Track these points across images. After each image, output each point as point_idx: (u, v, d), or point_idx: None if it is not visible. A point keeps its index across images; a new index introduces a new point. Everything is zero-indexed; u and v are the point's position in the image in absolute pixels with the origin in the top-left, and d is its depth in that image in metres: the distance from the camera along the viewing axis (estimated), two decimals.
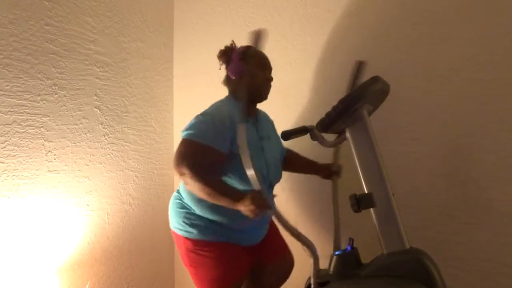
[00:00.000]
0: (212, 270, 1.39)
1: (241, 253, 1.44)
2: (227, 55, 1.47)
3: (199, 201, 1.36)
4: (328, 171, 1.59)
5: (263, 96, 1.47)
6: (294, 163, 1.68)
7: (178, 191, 1.51)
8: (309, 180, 1.85)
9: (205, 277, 1.41)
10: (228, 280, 1.41)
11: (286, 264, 1.60)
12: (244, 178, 1.32)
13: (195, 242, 1.38)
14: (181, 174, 1.24)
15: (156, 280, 2.21)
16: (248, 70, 1.41)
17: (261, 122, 1.52)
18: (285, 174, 1.63)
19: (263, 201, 1.11)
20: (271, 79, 1.48)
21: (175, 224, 1.45)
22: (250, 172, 1.11)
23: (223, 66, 1.50)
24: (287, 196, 1.89)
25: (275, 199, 1.51)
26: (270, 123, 1.63)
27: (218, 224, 1.38)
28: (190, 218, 1.40)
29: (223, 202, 1.20)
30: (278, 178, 1.53)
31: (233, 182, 1.35)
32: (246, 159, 1.11)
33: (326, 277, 1.19)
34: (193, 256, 1.39)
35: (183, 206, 1.44)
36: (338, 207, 1.50)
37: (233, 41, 1.52)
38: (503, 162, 1.39)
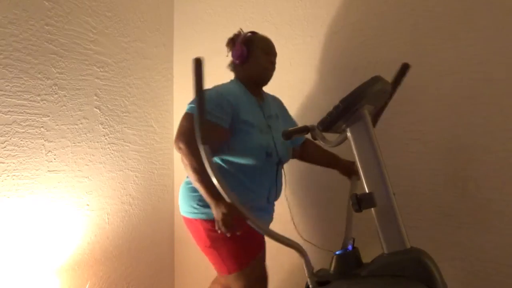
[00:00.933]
0: (236, 243, 1.37)
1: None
2: (233, 42, 1.51)
3: None
4: (349, 169, 1.57)
5: (266, 79, 1.52)
6: (314, 154, 1.68)
7: (188, 177, 1.51)
8: (308, 180, 1.85)
9: (230, 253, 1.38)
10: (253, 250, 1.41)
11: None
12: (245, 153, 1.37)
13: (212, 222, 1.36)
14: (178, 148, 1.28)
15: (156, 280, 2.20)
16: (251, 55, 1.45)
17: (268, 103, 1.56)
18: (292, 179, 1.64)
19: (231, 220, 1.15)
20: (274, 62, 1.52)
21: (188, 208, 1.44)
22: (221, 184, 1.13)
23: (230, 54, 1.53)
24: (287, 196, 1.89)
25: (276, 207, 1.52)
26: (282, 106, 1.67)
27: None
28: (204, 200, 1.37)
29: (201, 191, 1.24)
30: (286, 156, 1.55)
31: (234, 157, 1.37)
32: (215, 175, 1.13)
33: (326, 276, 1.19)
34: (213, 235, 1.36)
35: (195, 189, 1.41)
36: (352, 210, 1.49)
37: (241, 28, 1.55)
38: (503, 162, 1.39)
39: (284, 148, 1.52)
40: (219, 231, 1.18)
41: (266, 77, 1.51)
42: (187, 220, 1.47)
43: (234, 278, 1.39)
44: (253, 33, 1.51)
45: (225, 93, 1.39)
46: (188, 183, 1.48)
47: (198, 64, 1.13)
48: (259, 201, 1.44)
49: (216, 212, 1.18)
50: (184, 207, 1.47)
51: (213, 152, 1.24)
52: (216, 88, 1.42)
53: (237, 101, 1.39)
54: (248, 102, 1.45)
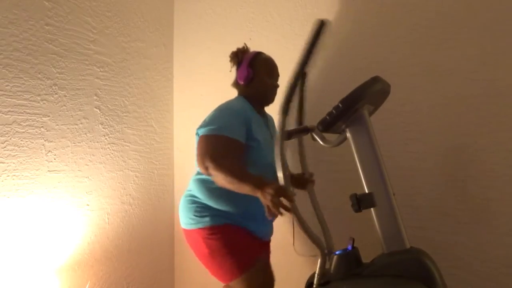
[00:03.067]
0: (234, 248, 1.37)
1: (253, 237, 1.45)
2: (238, 58, 1.54)
3: (210, 191, 1.39)
4: (301, 181, 1.56)
5: (269, 101, 1.56)
6: None
7: (188, 189, 1.53)
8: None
9: (230, 258, 1.37)
10: (253, 254, 1.41)
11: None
12: (258, 169, 1.38)
13: (209, 228, 1.38)
14: (206, 168, 1.29)
15: (156, 280, 2.20)
16: (255, 77, 1.49)
17: (271, 122, 1.62)
18: None
19: (284, 197, 1.11)
20: (277, 86, 1.56)
21: (186, 220, 1.45)
22: (280, 172, 1.13)
23: (233, 68, 1.57)
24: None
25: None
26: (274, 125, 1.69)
27: (229, 214, 1.40)
28: (200, 211, 1.41)
29: (246, 189, 1.21)
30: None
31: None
32: (277, 154, 1.14)
33: (326, 276, 1.19)
34: (211, 242, 1.38)
35: (193, 201, 1.45)
36: (321, 213, 1.49)
37: (245, 44, 1.58)
38: (503, 162, 1.39)
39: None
40: (274, 215, 1.13)
41: (269, 99, 1.54)
42: (186, 233, 1.48)
43: (238, 283, 1.38)
44: (258, 53, 1.54)
45: (238, 110, 1.41)
46: (187, 195, 1.49)
47: (321, 26, 1.12)
48: (260, 211, 1.41)
49: (264, 199, 1.14)
50: (183, 219, 1.49)
51: (232, 161, 1.27)
52: (229, 105, 1.45)
53: (249, 118, 1.41)
54: (257, 120, 1.47)
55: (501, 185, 1.40)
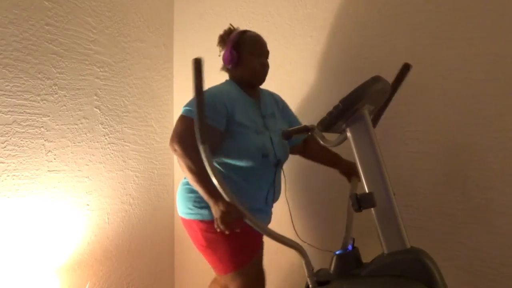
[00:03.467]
0: (232, 243, 1.37)
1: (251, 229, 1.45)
2: (224, 41, 1.49)
3: None
4: (349, 169, 1.54)
5: (259, 82, 1.49)
6: (316, 151, 1.65)
7: (185, 178, 1.50)
8: (307, 180, 1.85)
9: (226, 253, 1.38)
10: (250, 250, 1.41)
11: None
12: (240, 155, 1.36)
13: (208, 222, 1.37)
14: (173, 150, 1.28)
15: (156, 280, 2.20)
16: (241, 58, 1.43)
17: (265, 102, 1.54)
18: (288, 174, 1.64)
19: (230, 219, 1.14)
20: (266, 64, 1.49)
21: (185, 209, 1.44)
22: (221, 183, 1.12)
23: (222, 53, 1.52)
24: (286, 196, 1.89)
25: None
26: (278, 102, 1.63)
27: None
28: (200, 202, 1.38)
29: (200, 191, 1.23)
30: (285, 156, 1.53)
31: (229, 160, 1.37)
32: (214, 175, 1.12)
33: (326, 276, 1.19)
34: (209, 235, 1.37)
35: (191, 190, 1.41)
36: (352, 211, 1.49)
37: (231, 24, 1.52)
38: (503, 162, 1.39)
39: (282, 148, 1.50)
40: (218, 230, 1.18)
41: (259, 79, 1.48)
42: (184, 221, 1.47)
43: (231, 278, 1.39)
44: (242, 32, 1.47)
45: (219, 95, 1.37)
46: (185, 184, 1.47)
47: (197, 64, 1.12)
48: (257, 203, 1.43)
49: (215, 211, 1.17)
50: (181, 207, 1.47)
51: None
52: (211, 90, 1.40)
53: (232, 102, 1.37)
54: (244, 102, 1.42)
55: (501, 185, 1.40)
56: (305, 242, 1.52)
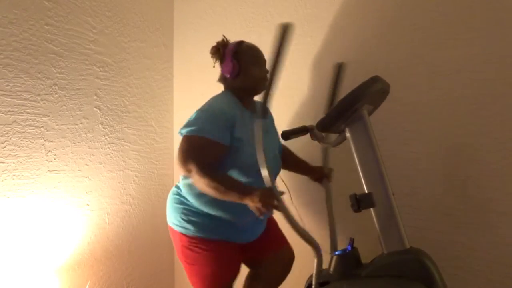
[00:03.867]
0: (206, 268, 1.40)
1: (235, 251, 1.45)
2: (219, 52, 1.47)
3: (199, 195, 1.36)
4: (319, 174, 1.58)
5: (258, 91, 1.47)
6: (287, 160, 1.66)
7: (177, 186, 1.50)
8: (307, 180, 1.85)
9: (199, 274, 1.42)
10: (221, 278, 1.42)
11: (285, 255, 1.58)
12: (244, 171, 1.35)
13: (190, 238, 1.39)
14: (188, 171, 1.26)
15: (156, 280, 2.21)
16: (242, 68, 1.42)
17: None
18: (284, 173, 1.64)
19: (272, 200, 1.12)
20: (266, 74, 1.47)
21: (172, 219, 1.45)
22: (264, 170, 1.13)
23: (217, 64, 1.50)
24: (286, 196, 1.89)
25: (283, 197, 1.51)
26: (269, 117, 1.62)
27: (216, 220, 1.38)
28: (188, 214, 1.40)
29: (231, 197, 1.21)
30: (278, 170, 1.55)
31: (234, 175, 1.35)
32: (260, 155, 1.13)
33: (326, 277, 1.19)
34: (188, 252, 1.40)
35: (181, 201, 1.43)
36: (332, 210, 1.49)
37: (224, 36, 1.51)
38: (503, 162, 1.39)
39: (276, 162, 1.51)
40: (261, 217, 1.15)
41: (260, 88, 1.45)
42: (170, 230, 1.48)
43: None
44: (240, 42, 1.47)
45: (221, 110, 1.35)
46: (174, 193, 1.48)
47: (285, 31, 1.07)
48: (253, 216, 1.37)
49: (252, 202, 1.15)
50: (168, 215, 1.49)
51: (216, 168, 1.26)
52: (212, 105, 1.39)
53: (232, 117, 1.35)
54: (241, 117, 1.40)
55: (501, 185, 1.39)
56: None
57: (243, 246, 1.48)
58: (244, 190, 1.19)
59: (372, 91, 1.13)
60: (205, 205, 1.37)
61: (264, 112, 1.18)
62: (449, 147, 1.50)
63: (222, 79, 1.50)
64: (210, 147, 1.27)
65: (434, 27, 1.53)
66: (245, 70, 1.42)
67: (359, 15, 1.71)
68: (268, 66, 1.16)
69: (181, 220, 1.40)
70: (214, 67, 1.52)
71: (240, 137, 1.34)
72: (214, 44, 1.52)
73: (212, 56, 1.51)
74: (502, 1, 1.39)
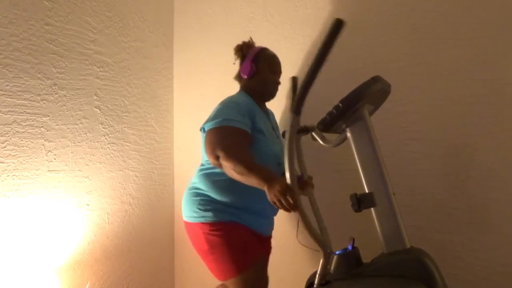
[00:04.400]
0: (233, 247, 1.37)
1: (255, 237, 1.46)
2: (242, 52, 1.57)
3: (215, 183, 1.41)
4: (299, 184, 1.52)
5: (270, 96, 1.59)
6: None
7: (192, 182, 1.53)
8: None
9: (228, 257, 1.37)
10: (251, 255, 1.40)
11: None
12: (263, 159, 1.38)
13: (212, 224, 1.38)
14: (216, 158, 1.29)
15: (156, 280, 2.20)
16: (258, 72, 1.52)
17: (271, 117, 1.65)
18: None
19: (292, 197, 1.10)
20: (279, 82, 1.59)
21: (189, 213, 1.45)
22: (287, 171, 1.11)
23: (237, 61, 1.59)
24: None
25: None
26: (274, 119, 1.72)
27: (232, 207, 1.40)
28: (204, 204, 1.41)
29: (253, 181, 1.20)
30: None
31: None
32: (287, 153, 1.11)
33: (326, 276, 1.19)
34: (212, 238, 1.38)
35: (197, 193, 1.45)
36: (321, 218, 1.49)
37: (251, 38, 1.60)
38: (503, 162, 1.39)
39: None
40: (279, 207, 1.14)
41: (270, 92, 1.57)
42: (188, 225, 1.48)
43: (232, 283, 1.38)
44: (263, 48, 1.57)
45: (241, 102, 1.44)
46: (191, 188, 1.50)
47: (338, 26, 1.05)
48: (267, 206, 1.40)
49: (269, 194, 1.14)
50: (185, 211, 1.49)
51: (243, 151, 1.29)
52: (232, 99, 1.47)
53: (252, 110, 1.44)
54: (259, 113, 1.49)
55: (501, 185, 1.40)
56: (302, 244, 1.53)
57: (259, 238, 1.49)
58: (267, 176, 1.18)
59: (373, 91, 1.14)
60: (222, 192, 1.40)
61: (298, 108, 1.15)
62: (449, 147, 1.51)
63: (238, 77, 1.59)
64: (236, 135, 1.31)
65: (434, 27, 1.53)
66: (260, 74, 1.52)
67: (359, 15, 1.71)
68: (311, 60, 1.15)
69: (199, 211, 1.41)
70: (234, 64, 1.60)
71: (260, 129, 1.41)
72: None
73: (235, 53, 1.59)
74: (502, 1, 1.39)
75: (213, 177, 1.42)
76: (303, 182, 1.55)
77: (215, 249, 1.38)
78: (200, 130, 1.44)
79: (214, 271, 1.43)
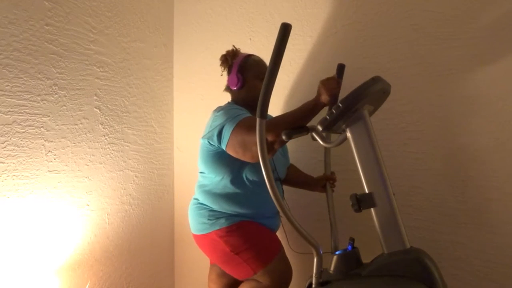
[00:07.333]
0: (256, 241, 1.41)
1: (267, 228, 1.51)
2: (228, 62, 1.54)
3: (216, 197, 1.44)
4: (324, 180, 1.57)
5: None
6: (294, 175, 1.71)
7: (194, 198, 1.56)
8: None
9: (252, 251, 1.39)
10: (273, 246, 1.45)
11: None
12: (255, 169, 1.42)
13: (227, 227, 1.41)
14: (274, 137, 1.25)
15: (156, 280, 2.20)
16: (246, 82, 1.49)
17: None
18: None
19: (329, 79, 1.23)
20: None
21: (200, 226, 1.47)
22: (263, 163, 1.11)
23: (225, 72, 1.58)
24: (287, 196, 1.89)
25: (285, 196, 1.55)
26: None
27: (240, 215, 1.44)
28: (213, 215, 1.44)
29: (308, 115, 1.28)
30: (283, 175, 1.62)
31: (247, 172, 1.42)
32: (261, 153, 1.09)
33: (326, 276, 1.19)
34: (231, 239, 1.40)
35: (203, 207, 1.48)
36: (334, 211, 1.50)
37: (234, 46, 1.57)
38: (503, 162, 1.39)
39: (282, 167, 1.60)
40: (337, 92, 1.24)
41: None
42: (200, 238, 1.49)
43: (260, 276, 1.40)
44: (248, 56, 1.53)
45: (237, 108, 1.44)
46: (195, 203, 1.52)
47: (285, 30, 1.04)
48: (270, 209, 1.50)
49: (325, 95, 1.24)
50: (195, 225, 1.50)
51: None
52: (226, 107, 1.47)
53: (247, 113, 1.43)
54: None
55: (501, 185, 1.40)
56: (296, 251, 1.55)
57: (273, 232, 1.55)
58: (310, 103, 1.27)
59: (373, 91, 1.13)
60: (224, 204, 1.43)
61: (263, 112, 1.10)
62: (449, 147, 1.51)
63: (228, 89, 1.57)
64: (252, 120, 1.24)
65: (434, 27, 1.53)
66: (249, 84, 1.49)
67: (359, 15, 1.71)
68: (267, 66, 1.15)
69: (209, 221, 1.44)
70: (222, 75, 1.58)
71: None
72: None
73: (220, 65, 1.57)
74: (502, 1, 1.39)
75: (214, 192, 1.45)
76: (327, 178, 1.56)
77: (237, 248, 1.40)
78: (206, 142, 1.42)
79: (239, 270, 1.44)
